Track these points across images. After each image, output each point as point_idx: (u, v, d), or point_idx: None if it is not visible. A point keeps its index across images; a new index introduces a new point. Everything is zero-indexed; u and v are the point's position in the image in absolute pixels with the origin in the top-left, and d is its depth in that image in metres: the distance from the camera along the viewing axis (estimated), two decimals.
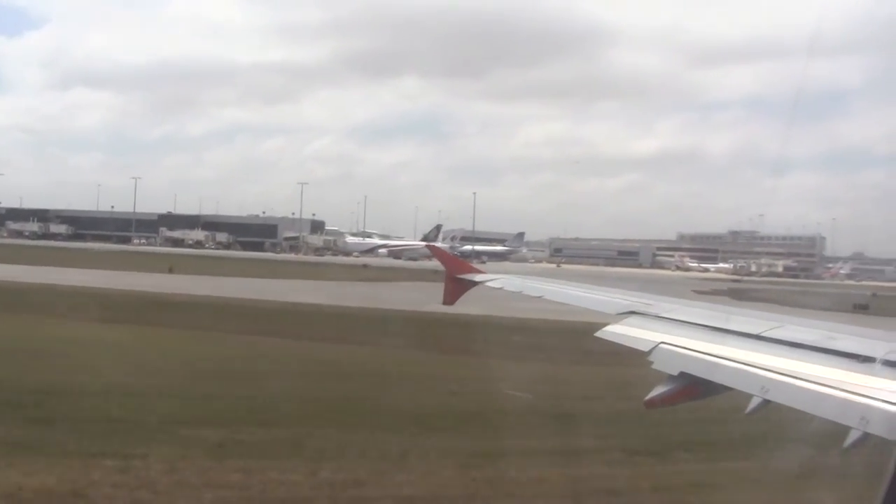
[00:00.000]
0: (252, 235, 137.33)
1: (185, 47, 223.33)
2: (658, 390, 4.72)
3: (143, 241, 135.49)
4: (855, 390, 3.60)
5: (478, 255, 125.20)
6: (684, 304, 6.58)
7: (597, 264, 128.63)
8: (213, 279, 50.93)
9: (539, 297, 7.69)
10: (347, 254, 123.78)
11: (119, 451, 10.65)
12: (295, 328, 28.25)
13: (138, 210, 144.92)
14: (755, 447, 12.34)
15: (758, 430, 13.15)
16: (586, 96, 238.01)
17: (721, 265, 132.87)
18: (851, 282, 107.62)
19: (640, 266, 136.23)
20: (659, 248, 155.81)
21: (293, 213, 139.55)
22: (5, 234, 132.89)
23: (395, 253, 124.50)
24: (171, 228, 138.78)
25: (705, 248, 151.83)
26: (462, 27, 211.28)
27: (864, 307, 49.37)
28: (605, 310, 6.31)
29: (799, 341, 4.37)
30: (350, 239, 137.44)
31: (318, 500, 9.39)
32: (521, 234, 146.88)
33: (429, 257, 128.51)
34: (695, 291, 49.98)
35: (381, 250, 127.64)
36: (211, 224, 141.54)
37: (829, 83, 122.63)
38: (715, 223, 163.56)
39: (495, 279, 9.03)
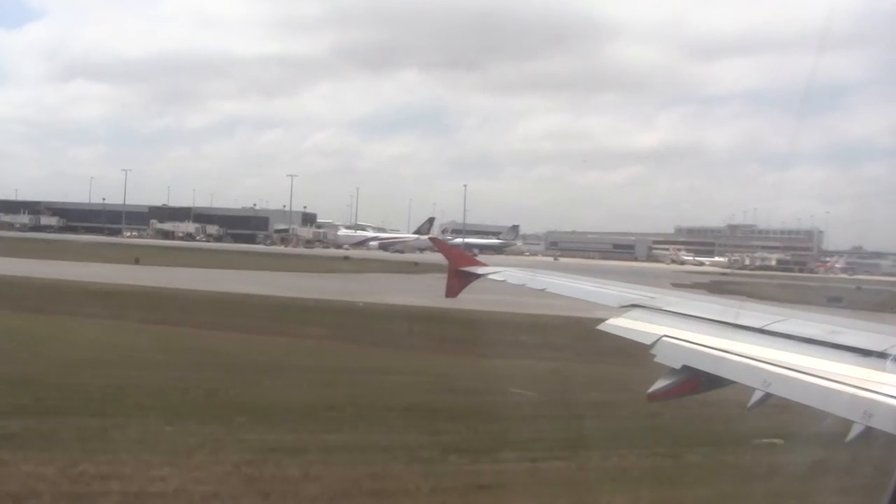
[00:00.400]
0: (244, 228, 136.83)
1: (185, 40, 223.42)
2: (660, 383, 4.70)
3: (134, 233, 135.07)
4: (858, 384, 3.58)
5: (469, 248, 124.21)
6: (687, 297, 6.58)
7: (592, 258, 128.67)
8: (171, 270, 50.56)
9: (542, 289, 7.68)
10: (338, 246, 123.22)
11: None
12: (213, 318, 27.62)
13: (132, 202, 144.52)
14: (587, 446, 11.47)
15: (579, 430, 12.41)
16: (586, 89, 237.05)
17: (717, 259, 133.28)
18: (844, 275, 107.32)
19: (635, 259, 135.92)
20: (655, 242, 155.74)
21: (284, 206, 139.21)
22: None
23: (386, 246, 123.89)
24: (161, 221, 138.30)
25: (702, 241, 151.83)
26: (461, 20, 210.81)
27: (837, 300, 48.78)
28: (608, 303, 6.30)
29: (802, 335, 4.35)
30: (343, 232, 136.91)
31: (46, 494, 8.56)
32: (515, 227, 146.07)
33: (421, 250, 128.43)
34: (673, 284, 49.37)
35: (371, 243, 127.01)
36: (202, 216, 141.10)
37: (831, 77, 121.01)
38: (716, 217, 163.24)
39: (498, 272, 8.97)
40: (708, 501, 9.84)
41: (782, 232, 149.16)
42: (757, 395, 4.02)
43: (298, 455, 10.55)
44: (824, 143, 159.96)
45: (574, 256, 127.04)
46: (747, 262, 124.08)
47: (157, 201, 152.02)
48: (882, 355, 3.76)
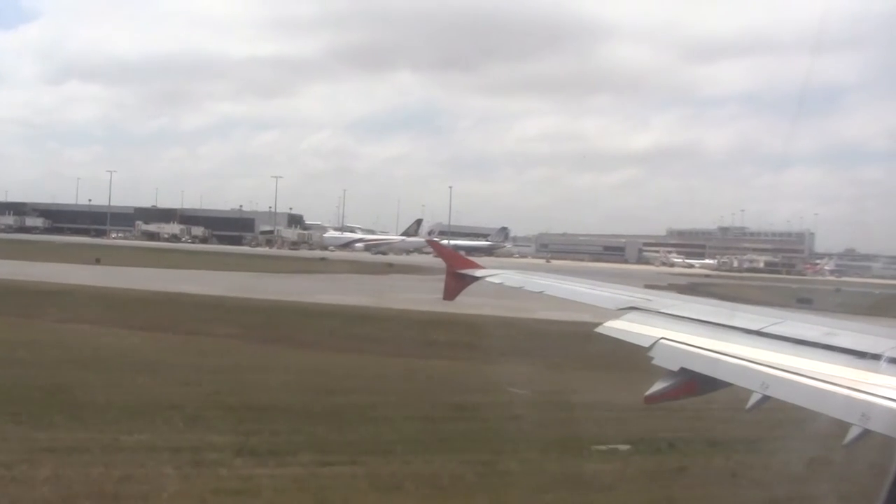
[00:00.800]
0: (230, 229, 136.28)
1: (179, 41, 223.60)
2: (658, 386, 4.68)
3: (120, 234, 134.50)
4: (855, 387, 3.58)
5: (455, 250, 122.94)
6: (685, 299, 6.57)
7: (583, 260, 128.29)
8: (125, 270, 50.23)
9: (540, 292, 7.68)
10: (324, 248, 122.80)
11: None
12: (126, 315, 27.00)
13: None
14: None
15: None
16: (581, 91, 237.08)
17: (706, 261, 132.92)
18: (832, 277, 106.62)
19: (626, 262, 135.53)
20: (646, 244, 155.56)
21: (270, 207, 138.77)
22: None
23: (371, 247, 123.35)
24: (147, 222, 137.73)
25: (692, 243, 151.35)
26: (456, 21, 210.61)
27: (807, 301, 48.52)
28: (606, 305, 6.27)
29: (799, 337, 4.37)
30: (331, 233, 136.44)
31: None
32: (503, 229, 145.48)
33: (408, 252, 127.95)
34: (646, 285, 49.39)
35: (357, 245, 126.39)
36: (188, 218, 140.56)
37: (826, 79, 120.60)
38: (711, 219, 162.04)
39: (496, 274, 8.98)
40: None
41: (774, 234, 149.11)
42: (755, 398, 4.02)
43: (62, 455, 9.93)
44: (819, 145, 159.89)
45: (564, 258, 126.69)
46: (735, 264, 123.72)
47: (153, 203, 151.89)
48: (877, 357, 3.76)
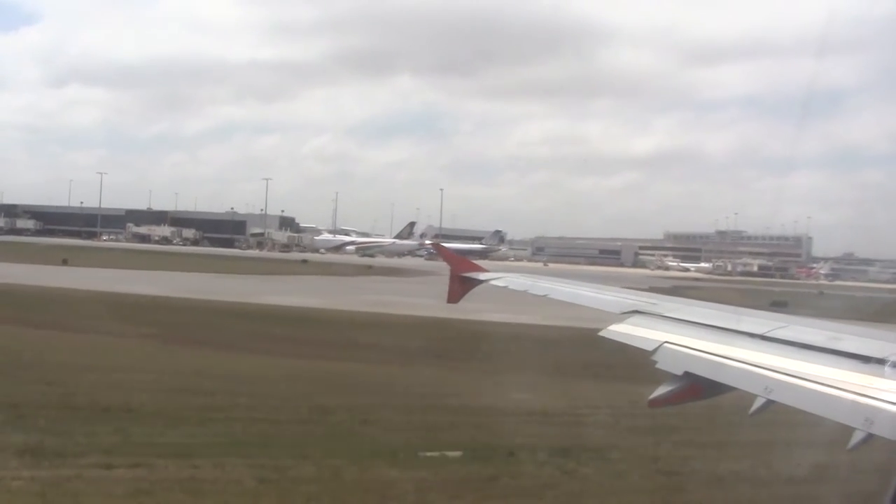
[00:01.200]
0: (221, 232, 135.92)
1: (180, 45, 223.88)
2: (662, 390, 4.66)
3: (112, 236, 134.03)
4: (859, 391, 3.58)
5: None
6: (688, 303, 6.56)
7: (578, 263, 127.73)
8: (86, 271, 49.89)
9: (544, 295, 7.65)
10: (315, 250, 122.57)
11: None
12: (51, 315, 26.48)
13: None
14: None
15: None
16: (582, 95, 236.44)
17: (702, 264, 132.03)
18: (825, 281, 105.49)
19: (621, 265, 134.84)
20: (642, 248, 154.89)
21: (261, 210, 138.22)
22: None
23: (363, 250, 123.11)
24: (138, 224, 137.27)
25: (689, 247, 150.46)
26: (456, 25, 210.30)
27: (782, 304, 47.59)
28: (610, 309, 6.23)
29: (803, 342, 4.35)
30: (324, 236, 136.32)
31: None
32: (498, 232, 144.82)
33: (400, 255, 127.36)
34: (624, 287, 49.25)
35: (349, 247, 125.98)
36: (179, 220, 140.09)
37: (827, 83, 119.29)
38: (710, 223, 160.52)
39: (500, 278, 8.96)
40: None
41: (771, 238, 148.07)
42: (759, 402, 4.00)
43: None
44: (820, 148, 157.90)
45: (560, 262, 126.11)
46: (729, 267, 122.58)
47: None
48: (881, 362, 3.75)
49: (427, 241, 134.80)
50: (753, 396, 4.03)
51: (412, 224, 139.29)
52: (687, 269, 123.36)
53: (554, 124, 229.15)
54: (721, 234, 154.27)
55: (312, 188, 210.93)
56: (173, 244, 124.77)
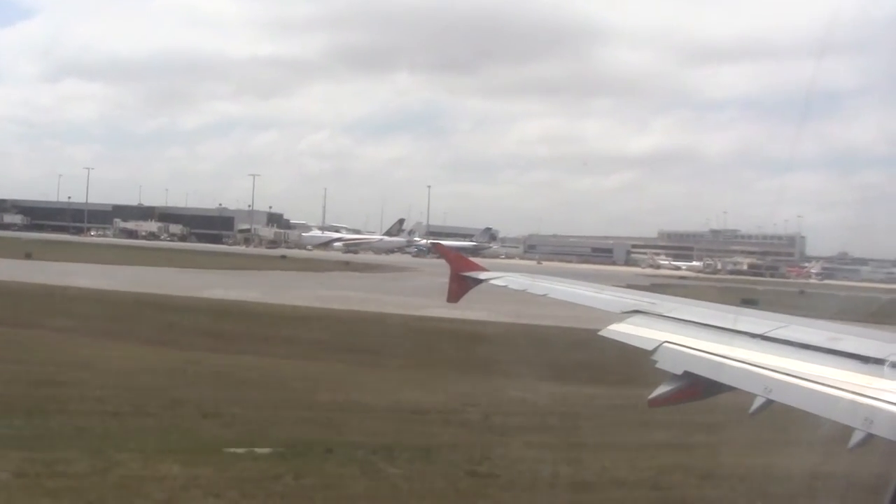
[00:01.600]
0: (209, 227, 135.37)
1: (177, 39, 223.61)
2: (661, 389, 4.68)
3: (100, 231, 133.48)
4: (859, 391, 3.58)
5: (431, 250, 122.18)
6: (689, 303, 6.53)
7: (570, 261, 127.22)
8: (42, 264, 48.92)
9: (544, 295, 7.61)
10: (301, 247, 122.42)
11: None
12: None
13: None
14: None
15: None
16: (581, 94, 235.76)
17: (693, 263, 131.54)
18: (815, 280, 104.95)
19: (614, 263, 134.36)
20: (634, 246, 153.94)
21: (248, 205, 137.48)
22: None
23: (349, 246, 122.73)
24: (125, 220, 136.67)
25: (682, 245, 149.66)
26: (455, 23, 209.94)
27: (753, 302, 46.73)
28: (610, 308, 6.23)
29: (803, 342, 4.35)
30: (314, 232, 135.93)
31: None
32: (488, 230, 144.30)
33: (388, 251, 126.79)
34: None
35: (336, 244, 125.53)
36: (167, 216, 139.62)
37: (825, 84, 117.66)
38: (704, 222, 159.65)
39: (500, 277, 8.90)
40: None
41: (764, 237, 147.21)
42: (758, 402, 4.01)
43: None
44: (817, 149, 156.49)
45: (553, 260, 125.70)
46: (719, 266, 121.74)
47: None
48: (881, 362, 3.75)
49: (416, 238, 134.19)
50: (747, 396, 4.08)
51: (401, 221, 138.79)
52: (678, 268, 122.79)
53: (552, 123, 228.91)
54: (715, 232, 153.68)
55: (309, 185, 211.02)
56: (160, 240, 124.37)
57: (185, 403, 13.50)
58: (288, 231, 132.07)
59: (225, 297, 34.11)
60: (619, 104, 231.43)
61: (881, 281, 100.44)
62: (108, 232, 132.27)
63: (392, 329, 27.16)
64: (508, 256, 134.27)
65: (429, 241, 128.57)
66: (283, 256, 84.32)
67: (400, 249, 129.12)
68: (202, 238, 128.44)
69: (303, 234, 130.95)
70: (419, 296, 41.63)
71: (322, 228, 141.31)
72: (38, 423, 11.52)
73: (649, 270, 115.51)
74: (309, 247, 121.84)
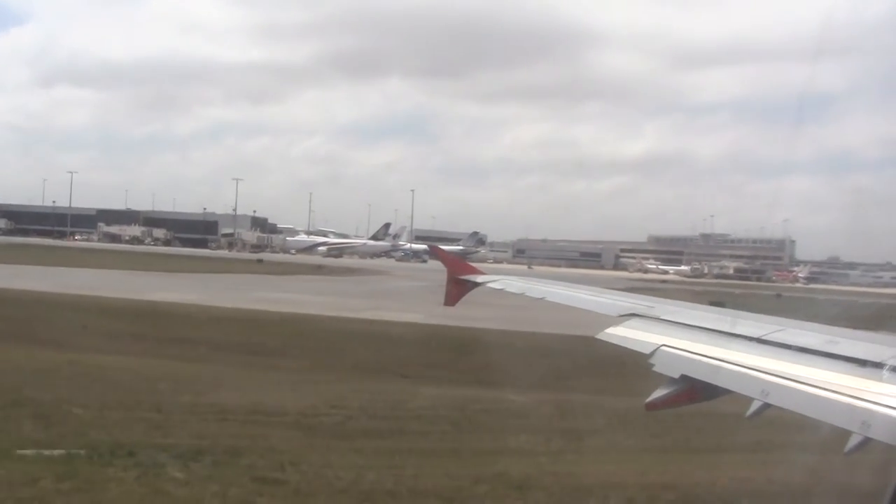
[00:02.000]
0: (193, 232, 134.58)
1: (169, 45, 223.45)
2: (659, 393, 4.65)
3: (83, 236, 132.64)
4: (856, 395, 3.57)
5: (416, 254, 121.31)
6: (686, 306, 6.46)
7: (559, 265, 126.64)
8: None
9: (541, 298, 7.57)
10: (286, 251, 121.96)
11: None
12: None
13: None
14: None
15: None
16: (572, 98, 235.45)
17: (682, 267, 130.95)
18: (801, 284, 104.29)
19: (602, 267, 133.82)
20: (623, 250, 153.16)
21: (233, 210, 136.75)
22: None
23: (332, 250, 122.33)
24: (108, 224, 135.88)
25: (671, 249, 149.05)
26: (446, 28, 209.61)
27: (719, 304, 45.89)
28: (607, 312, 6.19)
29: (800, 345, 4.33)
30: (300, 237, 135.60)
31: None
32: (475, 234, 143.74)
33: (372, 255, 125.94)
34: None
35: (320, 248, 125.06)
36: (151, 220, 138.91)
37: (816, 87, 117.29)
38: (692, 226, 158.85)
39: (496, 280, 8.91)
40: None
41: (754, 241, 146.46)
42: (755, 405, 4.00)
43: None
44: (808, 152, 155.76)
45: (542, 264, 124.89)
46: (706, 270, 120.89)
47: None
48: (878, 366, 3.74)
49: (401, 242, 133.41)
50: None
51: (387, 225, 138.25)
52: (665, 272, 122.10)
53: (544, 127, 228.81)
54: (704, 236, 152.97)
55: (302, 190, 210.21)
56: (144, 244, 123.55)
57: (26, 404, 12.82)
58: (272, 235, 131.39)
59: (162, 300, 33.23)
60: (611, 108, 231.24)
61: (868, 285, 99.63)
62: (92, 236, 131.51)
63: (316, 332, 26.27)
64: (496, 261, 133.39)
65: (411, 246, 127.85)
66: (260, 261, 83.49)
67: (385, 253, 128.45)
68: (187, 242, 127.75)
69: (287, 238, 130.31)
70: (374, 298, 40.75)
71: (308, 233, 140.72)
72: None
73: (637, 274, 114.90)
74: (293, 251, 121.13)
